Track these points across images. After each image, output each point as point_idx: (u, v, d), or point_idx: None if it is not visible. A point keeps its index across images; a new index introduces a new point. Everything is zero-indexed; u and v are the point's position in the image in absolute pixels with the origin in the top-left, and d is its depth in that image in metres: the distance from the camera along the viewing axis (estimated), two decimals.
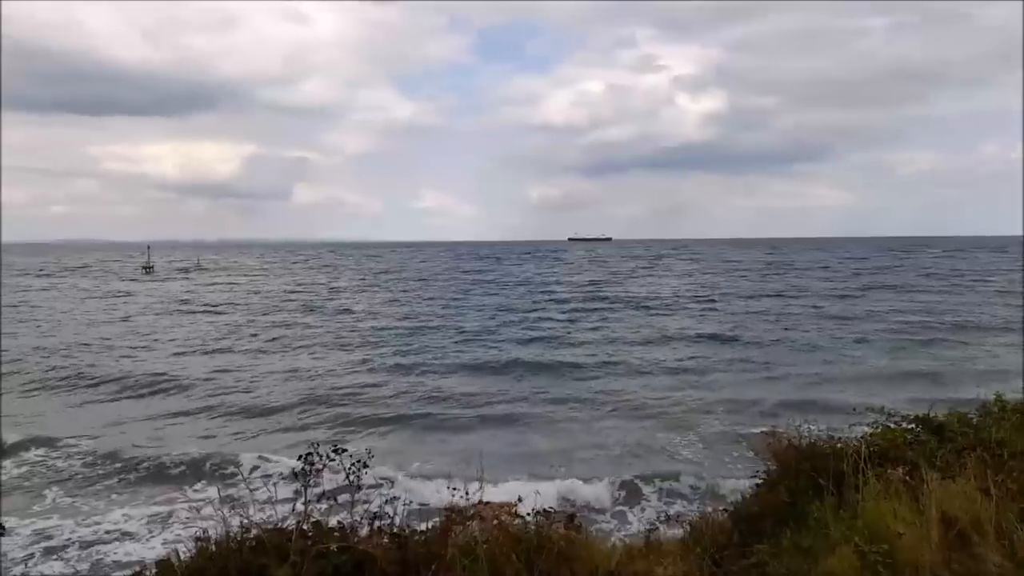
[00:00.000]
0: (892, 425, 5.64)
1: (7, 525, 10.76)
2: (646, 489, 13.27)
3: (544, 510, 4.33)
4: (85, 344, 32.25)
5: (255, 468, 14.59)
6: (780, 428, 5.90)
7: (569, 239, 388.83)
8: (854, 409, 6.27)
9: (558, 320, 39.58)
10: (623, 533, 10.60)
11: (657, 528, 6.03)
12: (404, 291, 62.36)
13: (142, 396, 22.06)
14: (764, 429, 6.37)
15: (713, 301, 48.32)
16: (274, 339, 33.41)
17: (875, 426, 5.63)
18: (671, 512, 10.73)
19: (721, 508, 5.81)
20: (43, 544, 11.16)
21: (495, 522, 4.38)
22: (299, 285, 70.81)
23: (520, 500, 4.67)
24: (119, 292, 63.47)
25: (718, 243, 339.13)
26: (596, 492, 13.03)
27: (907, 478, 4.59)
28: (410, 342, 31.77)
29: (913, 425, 5.66)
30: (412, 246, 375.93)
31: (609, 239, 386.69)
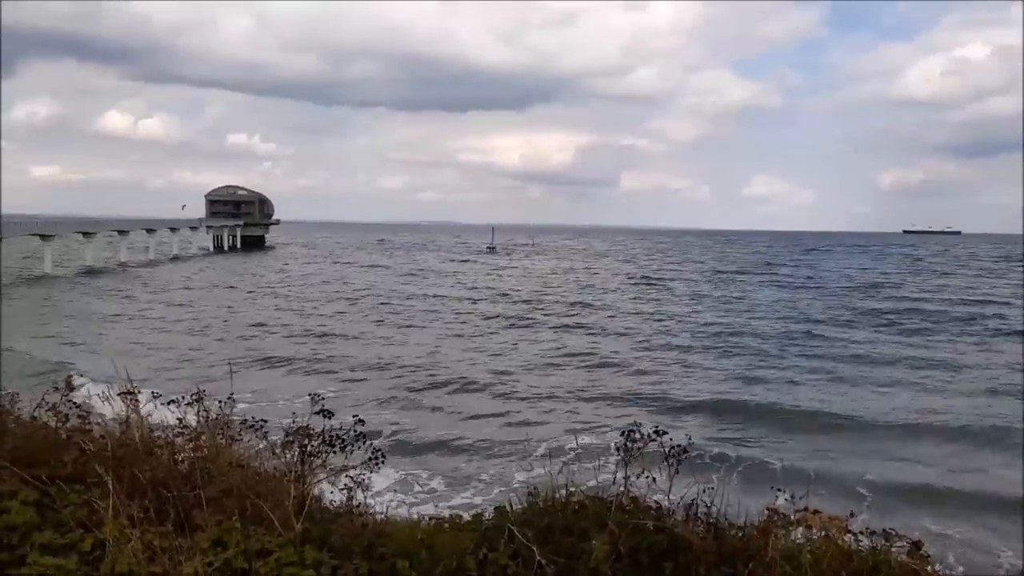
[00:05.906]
0: None
1: None
2: (996, 539, 11.19)
3: (884, 531, 3.87)
4: None
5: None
6: None
7: (904, 231, 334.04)
8: None
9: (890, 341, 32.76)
10: None
11: None
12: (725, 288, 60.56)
13: None
14: None
15: None
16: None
17: None
18: None
19: None
20: None
21: (822, 533, 4.05)
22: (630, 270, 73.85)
23: (852, 515, 4.25)
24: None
25: None
26: (940, 527, 11.29)
27: None
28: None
29: None
30: (737, 235, 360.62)
31: (958, 232, 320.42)
